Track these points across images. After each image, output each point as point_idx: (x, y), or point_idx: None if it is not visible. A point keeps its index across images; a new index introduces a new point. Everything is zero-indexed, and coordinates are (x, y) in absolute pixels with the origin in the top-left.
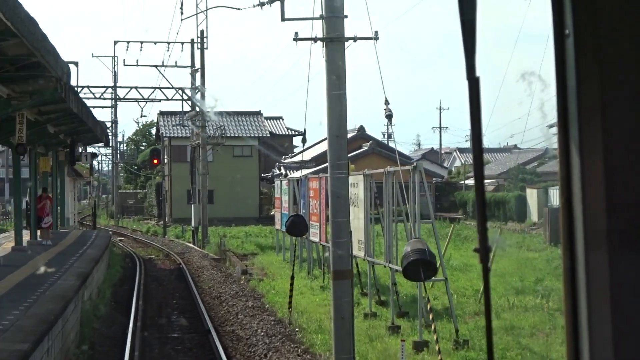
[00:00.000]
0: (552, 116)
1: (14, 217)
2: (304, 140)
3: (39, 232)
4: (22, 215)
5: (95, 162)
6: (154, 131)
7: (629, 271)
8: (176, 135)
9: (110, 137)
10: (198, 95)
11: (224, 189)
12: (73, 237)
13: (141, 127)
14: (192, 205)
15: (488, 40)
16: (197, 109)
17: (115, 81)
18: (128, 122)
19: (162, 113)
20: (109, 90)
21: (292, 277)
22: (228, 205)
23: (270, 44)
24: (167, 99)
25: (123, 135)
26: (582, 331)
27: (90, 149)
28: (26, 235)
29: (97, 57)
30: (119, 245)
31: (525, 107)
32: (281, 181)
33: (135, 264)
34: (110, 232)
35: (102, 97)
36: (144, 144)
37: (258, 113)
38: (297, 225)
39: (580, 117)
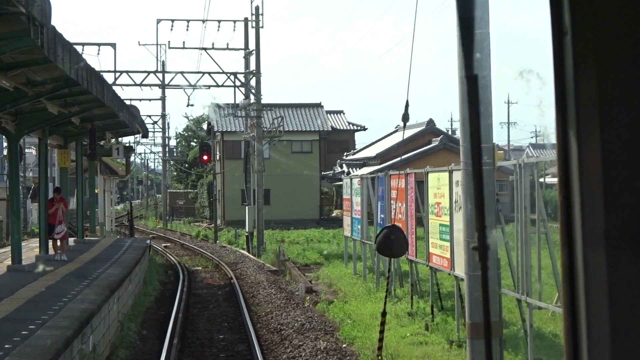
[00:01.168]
0: (551, 114)
1: (11, 226)
2: (405, 119)
3: (50, 245)
4: (20, 224)
5: (138, 159)
6: (205, 126)
7: (627, 269)
8: (229, 130)
9: (150, 130)
10: (253, 81)
11: (281, 188)
12: (99, 248)
13: (191, 122)
14: (247, 207)
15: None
16: (252, 97)
17: (163, 67)
18: (174, 114)
19: (214, 105)
20: (152, 79)
21: (384, 314)
22: (286, 206)
23: (324, 40)
24: (217, 86)
25: (177, 132)
26: (581, 329)
27: (132, 145)
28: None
29: (143, 45)
30: (162, 253)
31: None
32: (351, 179)
33: (178, 279)
34: (148, 241)
35: (143, 83)
36: (194, 140)
37: (318, 105)
38: (394, 243)
39: (579, 114)
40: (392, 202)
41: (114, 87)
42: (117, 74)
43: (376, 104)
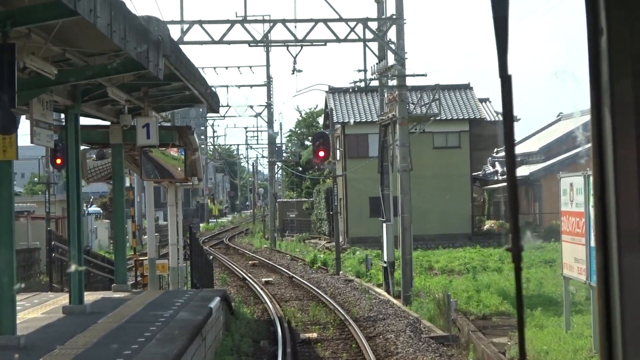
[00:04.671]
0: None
1: None
2: None
3: None
4: None
5: (250, 164)
6: (321, 121)
7: None
8: (353, 120)
9: (254, 129)
10: (392, 32)
11: (420, 194)
12: (86, 339)
13: (304, 116)
14: (384, 225)
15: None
16: (392, 57)
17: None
18: (281, 107)
19: (332, 90)
20: (239, 33)
21: None
22: (427, 217)
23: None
24: (338, 40)
25: (290, 130)
26: (616, 331)
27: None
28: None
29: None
30: (259, 296)
31: None
32: (587, 176)
33: None
34: (217, 300)
35: (226, 40)
36: (309, 138)
37: (467, 87)
38: None
39: (614, 114)
40: None
41: (183, 47)
42: (186, 26)
43: (528, 89)
